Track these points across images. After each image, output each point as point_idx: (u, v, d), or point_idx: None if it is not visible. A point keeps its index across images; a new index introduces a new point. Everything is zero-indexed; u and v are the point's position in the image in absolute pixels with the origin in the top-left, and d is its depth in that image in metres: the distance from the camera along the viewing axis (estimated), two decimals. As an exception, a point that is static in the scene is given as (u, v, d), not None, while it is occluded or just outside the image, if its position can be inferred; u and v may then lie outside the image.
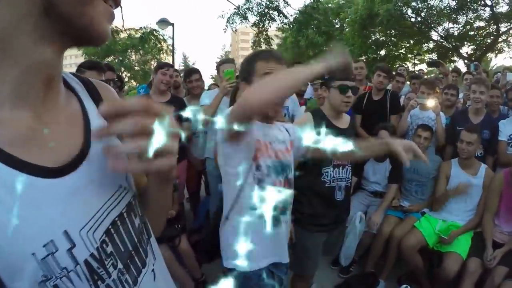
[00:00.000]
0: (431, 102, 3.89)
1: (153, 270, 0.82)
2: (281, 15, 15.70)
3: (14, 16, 0.54)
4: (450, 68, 9.51)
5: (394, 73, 5.74)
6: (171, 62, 16.94)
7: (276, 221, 1.73)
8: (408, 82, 6.75)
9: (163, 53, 21.24)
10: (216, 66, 4.19)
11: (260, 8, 15.57)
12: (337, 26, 22.29)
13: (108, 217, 0.68)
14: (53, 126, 0.63)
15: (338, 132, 2.48)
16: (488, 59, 25.20)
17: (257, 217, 1.67)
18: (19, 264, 0.54)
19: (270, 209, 1.68)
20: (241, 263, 1.67)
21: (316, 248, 2.59)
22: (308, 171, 2.44)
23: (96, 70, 2.85)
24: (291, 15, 16.12)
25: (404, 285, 3.37)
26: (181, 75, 5.55)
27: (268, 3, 15.29)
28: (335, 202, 2.55)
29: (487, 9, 18.12)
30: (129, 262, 0.73)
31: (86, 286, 0.63)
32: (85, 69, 2.83)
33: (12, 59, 0.56)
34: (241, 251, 1.68)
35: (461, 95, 5.27)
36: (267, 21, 15.82)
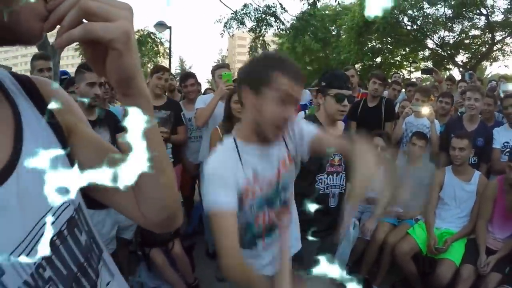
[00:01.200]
0: (425, 110, 3.91)
1: None
2: (278, 21, 15.74)
3: None
4: (445, 76, 9.57)
5: (389, 80, 5.77)
6: (167, 66, 16.94)
7: (251, 243, 1.68)
8: (403, 90, 6.78)
9: (160, 56, 21.24)
10: (212, 71, 4.20)
11: (258, 13, 15.62)
12: (333, 33, 22.40)
13: (44, 237, 0.57)
14: None
15: (333, 139, 2.50)
16: (483, 67, 25.35)
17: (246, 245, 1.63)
18: None
19: (249, 234, 1.64)
20: None
21: (310, 255, 2.59)
22: (302, 178, 2.43)
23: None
24: (288, 21, 16.16)
25: (398, 292, 3.37)
26: (177, 78, 5.55)
27: (265, 9, 15.33)
28: (329, 209, 2.55)
29: (483, 18, 18.30)
30: (74, 286, 0.65)
31: None
32: (85, 70, 2.82)
33: None
34: None
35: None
36: (264, 27, 15.85)
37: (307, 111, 4.16)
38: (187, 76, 4.53)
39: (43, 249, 0.56)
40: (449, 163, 3.60)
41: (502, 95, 5.03)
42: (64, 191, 0.58)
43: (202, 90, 5.84)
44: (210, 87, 6.71)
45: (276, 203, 1.68)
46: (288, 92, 1.37)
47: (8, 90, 0.64)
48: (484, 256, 3.09)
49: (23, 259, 0.55)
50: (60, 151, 0.61)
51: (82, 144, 0.73)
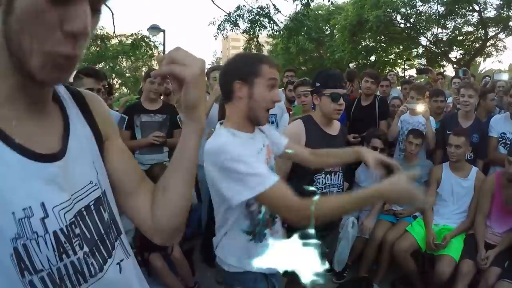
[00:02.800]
0: (420, 107, 3.92)
1: (119, 264, 0.91)
2: (271, 22, 15.74)
3: None
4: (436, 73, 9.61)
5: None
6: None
7: (262, 235, 1.76)
8: (398, 87, 6.80)
9: (154, 60, 21.21)
10: (206, 73, 4.19)
11: (251, 15, 15.62)
12: (327, 32, 22.49)
13: (78, 204, 0.80)
14: (39, 127, 0.77)
15: (329, 139, 2.50)
16: (477, 63, 25.50)
17: (246, 235, 1.72)
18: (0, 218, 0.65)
19: (258, 227, 1.73)
20: (236, 264, 1.75)
21: None
22: (300, 178, 2.44)
23: (93, 78, 2.84)
24: (282, 22, 16.17)
25: (398, 289, 3.38)
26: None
27: (258, 10, 15.33)
28: None
29: (475, 14, 18.44)
30: (95, 249, 0.83)
31: (51, 255, 0.72)
32: (83, 75, 2.81)
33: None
34: (235, 256, 1.74)
35: (450, 99, 5.32)
36: (257, 28, 15.85)
37: (291, 112, 4.15)
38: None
39: (75, 213, 0.78)
40: (446, 160, 3.61)
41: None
42: (95, 175, 0.86)
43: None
44: (206, 90, 6.70)
45: None
46: (274, 77, 1.65)
47: (61, 98, 0.85)
48: (484, 251, 3.11)
49: (62, 214, 0.75)
50: (95, 149, 0.89)
51: (114, 151, 0.96)
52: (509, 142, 3.71)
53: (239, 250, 1.74)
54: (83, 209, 0.81)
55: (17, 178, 0.68)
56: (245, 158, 1.51)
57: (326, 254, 3.02)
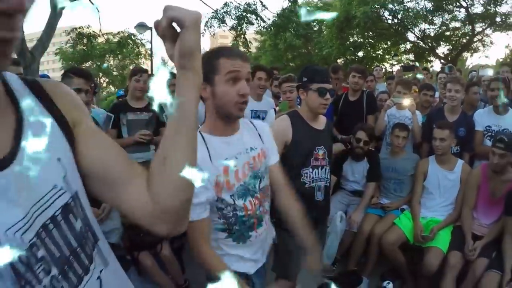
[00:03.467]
0: (407, 101, 3.95)
1: (99, 278, 0.79)
2: (259, 18, 15.74)
3: None
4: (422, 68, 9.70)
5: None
6: (149, 67, 16.81)
7: (245, 235, 1.75)
8: (384, 83, 6.86)
9: (142, 58, 21.08)
10: None
11: (238, 11, 15.60)
12: (315, 28, 22.49)
13: (39, 219, 0.66)
14: None
15: (316, 133, 2.52)
16: (464, 58, 25.77)
17: (221, 233, 1.70)
18: None
19: (235, 226, 1.70)
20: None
21: (298, 249, 2.59)
22: (287, 172, 2.44)
23: (83, 78, 2.82)
24: (269, 19, 16.18)
25: (387, 281, 3.40)
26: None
27: (245, 6, 15.32)
28: (316, 203, 2.56)
29: (463, 10, 18.61)
30: (67, 268, 0.70)
31: None
32: (73, 75, 2.79)
33: None
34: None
35: (437, 94, 5.37)
36: (245, 25, 15.84)
37: (277, 108, 4.15)
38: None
39: (38, 229, 0.65)
40: (432, 153, 3.65)
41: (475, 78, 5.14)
42: (61, 177, 0.72)
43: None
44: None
45: (256, 190, 1.74)
46: (233, 70, 1.51)
47: (13, 91, 0.73)
48: (471, 242, 3.14)
49: (18, 236, 0.61)
50: (62, 142, 0.76)
51: (87, 135, 0.82)
52: (494, 135, 3.76)
53: (216, 246, 1.72)
54: (48, 222, 0.68)
55: None
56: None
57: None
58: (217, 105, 1.57)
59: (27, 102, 0.73)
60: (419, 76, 6.40)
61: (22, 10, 0.56)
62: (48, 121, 0.74)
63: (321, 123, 2.59)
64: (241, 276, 1.76)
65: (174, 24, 0.78)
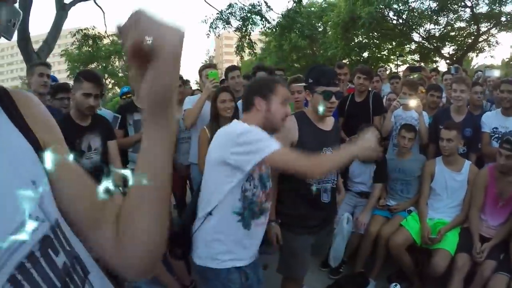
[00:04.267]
0: (413, 102, 3.92)
1: None
2: (263, 19, 15.74)
3: None
4: (431, 69, 9.65)
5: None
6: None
7: (251, 221, 2.01)
8: (389, 84, 6.83)
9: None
10: (199, 71, 4.19)
11: (243, 12, 15.61)
12: (320, 29, 22.47)
13: (12, 259, 0.53)
14: None
15: (323, 134, 2.50)
16: (469, 58, 25.64)
17: (236, 220, 1.96)
18: None
19: (250, 214, 1.98)
20: (215, 259, 1.96)
21: (304, 250, 2.58)
22: (293, 174, 2.43)
23: (94, 83, 2.83)
24: (274, 20, 16.17)
25: (394, 284, 3.38)
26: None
27: (250, 7, 15.32)
28: (322, 204, 2.54)
29: (467, 10, 18.50)
30: None
31: None
32: (84, 79, 2.80)
33: None
34: (217, 248, 1.95)
35: (444, 95, 5.34)
36: (249, 26, 15.84)
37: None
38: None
39: (13, 273, 0.52)
40: (439, 154, 3.62)
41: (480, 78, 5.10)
42: (35, 205, 0.58)
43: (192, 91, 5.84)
44: (199, 88, 6.69)
45: (267, 184, 2.08)
46: (286, 96, 2.07)
47: None
48: (479, 244, 3.11)
49: None
50: (36, 162, 0.63)
51: (58, 166, 0.67)
52: (501, 136, 3.73)
53: (222, 232, 1.96)
54: (23, 261, 0.55)
55: None
56: (255, 129, 1.87)
57: (322, 250, 3.04)
58: (268, 118, 2.02)
59: None
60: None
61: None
62: (21, 140, 0.63)
63: (328, 124, 2.57)
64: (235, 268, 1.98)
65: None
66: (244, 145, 1.82)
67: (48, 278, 0.58)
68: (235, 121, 2.08)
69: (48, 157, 0.65)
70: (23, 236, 0.55)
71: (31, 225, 0.57)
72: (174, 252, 2.17)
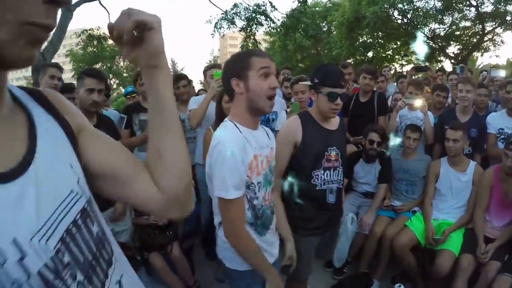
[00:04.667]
0: (418, 102, 3.92)
1: (118, 282, 0.79)
2: (268, 19, 15.73)
3: None
4: (437, 68, 9.61)
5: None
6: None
7: (265, 228, 1.92)
8: (394, 83, 6.81)
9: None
10: (203, 72, 4.20)
11: (248, 13, 15.61)
12: (324, 29, 22.44)
13: (61, 224, 0.65)
14: None
15: (328, 133, 2.48)
16: (475, 58, 25.51)
17: (249, 226, 1.84)
18: None
19: (259, 220, 1.88)
20: (237, 262, 1.87)
21: (309, 251, 2.57)
22: (297, 174, 2.42)
23: (96, 78, 2.84)
24: (278, 20, 16.16)
25: (398, 284, 3.38)
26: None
27: (255, 7, 15.32)
28: (327, 205, 2.52)
29: (472, 9, 18.39)
30: (90, 273, 0.70)
31: None
32: (86, 76, 2.82)
33: None
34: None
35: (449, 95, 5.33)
36: (254, 26, 15.84)
37: (288, 109, 4.12)
38: (178, 77, 4.52)
39: (62, 235, 0.64)
40: (444, 154, 3.61)
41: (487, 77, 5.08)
42: (75, 181, 0.72)
43: (196, 91, 5.85)
44: (203, 88, 6.71)
45: (270, 182, 1.95)
46: (265, 66, 1.72)
47: (19, 98, 0.72)
48: (483, 245, 3.10)
49: (43, 243, 0.60)
50: (71, 149, 0.76)
51: (93, 139, 0.84)
52: (507, 137, 3.72)
53: None
54: (70, 226, 0.67)
55: None
56: (230, 160, 1.65)
57: (326, 254, 3.03)
58: (250, 98, 1.74)
59: (35, 110, 0.73)
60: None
61: (68, 2, 0.62)
62: (57, 128, 0.75)
63: (333, 123, 2.54)
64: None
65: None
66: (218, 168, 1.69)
67: (87, 242, 0.71)
68: (225, 121, 1.85)
69: (82, 139, 0.81)
70: (70, 205, 0.68)
71: (74, 198, 0.70)
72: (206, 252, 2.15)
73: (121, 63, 25.66)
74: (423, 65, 9.58)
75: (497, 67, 7.86)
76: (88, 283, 0.68)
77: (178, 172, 0.86)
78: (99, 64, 23.34)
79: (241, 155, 1.69)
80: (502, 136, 3.76)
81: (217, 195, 1.71)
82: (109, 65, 23.68)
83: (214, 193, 1.74)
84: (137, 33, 0.78)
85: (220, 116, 3.31)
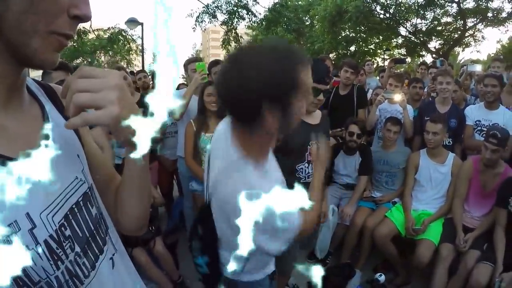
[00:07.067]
0: (397, 97, 3.95)
1: (111, 259, 0.90)
2: (250, 13, 15.69)
3: None
4: (419, 62, 9.72)
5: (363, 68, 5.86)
6: (141, 63, 16.67)
7: None
8: (377, 78, 6.88)
9: (133, 54, 20.90)
10: (184, 66, 4.17)
11: (229, 6, 15.54)
12: (307, 23, 22.43)
13: (66, 204, 0.77)
14: (15, 124, 0.72)
15: (309, 128, 2.48)
16: (456, 53, 25.86)
17: None
18: None
19: None
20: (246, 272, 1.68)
21: (294, 245, 2.61)
22: (282, 168, 2.43)
23: (62, 70, 2.77)
24: (260, 13, 16.13)
25: (379, 274, 3.43)
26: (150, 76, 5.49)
27: (237, 1, 15.26)
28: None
29: (454, 5, 18.61)
30: (86, 247, 0.81)
31: (46, 265, 0.70)
32: (52, 71, 2.75)
33: None
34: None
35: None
36: (236, 20, 15.78)
37: None
38: (158, 72, 4.48)
39: (66, 212, 0.76)
40: (424, 146, 3.67)
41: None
42: (80, 170, 0.84)
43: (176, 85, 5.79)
44: (185, 82, 6.66)
45: None
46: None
47: (33, 92, 0.82)
48: (462, 234, 3.17)
49: (50, 218, 0.72)
50: (78, 141, 0.87)
51: (88, 136, 0.95)
52: (484, 129, 3.80)
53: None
54: (73, 206, 0.79)
55: None
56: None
57: (308, 243, 3.06)
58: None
59: (47, 104, 0.83)
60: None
61: (89, 18, 0.71)
62: (62, 121, 0.82)
63: (316, 117, 2.55)
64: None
65: None
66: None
67: (86, 221, 0.82)
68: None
69: (83, 134, 0.91)
70: (74, 189, 0.80)
71: (78, 183, 0.81)
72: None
73: (102, 58, 25.27)
74: (401, 57, 9.69)
75: (476, 62, 8.00)
76: (84, 255, 0.79)
77: (134, 219, 0.96)
78: (80, 59, 22.94)
79: None
80: (479, 128, 3.84)
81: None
82: (90, 60, 23.26)
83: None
84: None
85: (202, 110, 3.29)
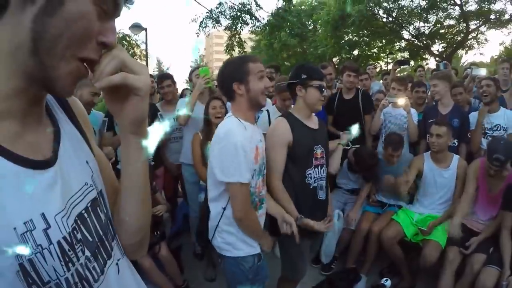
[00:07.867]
0: (401, 101, 3.94)
1: (117, 264, 0.91)
2: (253, 18, 15.73)
3: (6, 48, 0.65)
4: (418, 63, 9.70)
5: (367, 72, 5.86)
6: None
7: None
8: (381, 81, 6.86)
9: (137, 59, 21.00)
10: (189, 74, 4.22)
11: (233, 11, 15.59)
12: (310, 27, 22.45)
13: (76, 208, 0.78)
14: (31, 134, 0.74)
15: (312, 132, 2.52)
16: (459, 56, 25.82)
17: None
18: (2, 236, 0.64)
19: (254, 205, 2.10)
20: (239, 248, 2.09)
21: (305, 251, 2.65)
22: (292, 175, 2.46)
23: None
24: (263, 18, 16.17)
25: (385, 279, 3.41)
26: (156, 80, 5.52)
27: (240, 6, 15.31)
28: (319, 202, 2.57)
29: (457, 8, 18.55)
30: (96, 251, 0.83)
31: (58, 266, 0.72)
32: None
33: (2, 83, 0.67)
34: (229, 238, 2.10)
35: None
36: (239, 25, 15.82)
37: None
38: (163, 77, 4.51)
39: (76, 217, 0.78)
40: (428, 149, 3.66)
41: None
42: (90, 176, 0.85)
43: (179, 91, 5.80)
44: (189, 87, 6.67)
45: (263, 174, 2.18)
46: (260, 70, 2.06)
47: (48, 103, 0.84)
48: (458, 220, 3.17)
49: (64, 221, 0.74)
50: (87, 149, 0.89)
51: (97, 150, 0.97)
52: (488, 132, 3.81)
53: (231, 225, 2.07)
54: (83, 211, 0.80)
55: (15, 191, 0.66)
56: (240, 150, 1.90)
57: (314, 247, 3.05)
58: (251, 98, 2.05)
59: (59, 114, 0.86)
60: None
61: (115, 45, 0.74)
62: (76, 132, 0.88)
63: (315, 122, 2.61)
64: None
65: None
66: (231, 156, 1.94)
67: (95, 227, 0.84)
68: (224, 126, 2.05)
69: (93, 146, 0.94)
70: (84, 195, 0.81)
71: (88, 189, 0.83)
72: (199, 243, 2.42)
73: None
74: (404, 59, 9.65)
75: (479, 65, 7.95)
76: (93, 259, 0.81)
77: (135, 231, 0.97)
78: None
79: (248, 144, 1.96)
80: (482, 131, 3.85)
81: (232, 181, 1.93)
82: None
83: (225, 179, 1.94)
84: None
85: (207, 122, 3.34)
